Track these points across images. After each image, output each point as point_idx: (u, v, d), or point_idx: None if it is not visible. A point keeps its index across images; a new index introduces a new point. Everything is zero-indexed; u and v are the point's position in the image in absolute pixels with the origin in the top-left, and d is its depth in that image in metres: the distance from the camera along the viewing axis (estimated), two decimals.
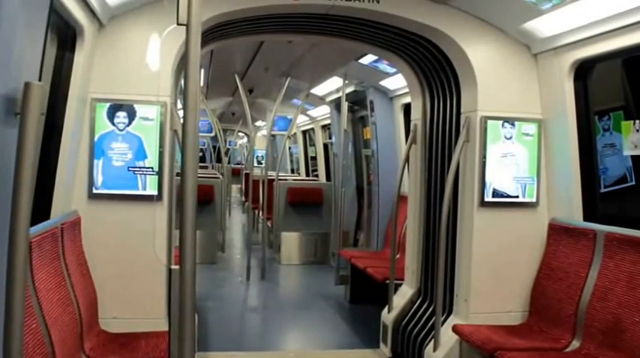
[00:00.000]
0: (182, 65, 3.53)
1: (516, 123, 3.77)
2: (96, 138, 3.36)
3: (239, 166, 20.20)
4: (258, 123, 14.38)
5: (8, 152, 1.61)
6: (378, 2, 3.67)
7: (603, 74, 3.75)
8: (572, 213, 3.65)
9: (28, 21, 1.73)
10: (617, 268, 3.21)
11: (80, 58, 3.14)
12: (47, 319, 2.47)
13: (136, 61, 3.41)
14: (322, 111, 9.53)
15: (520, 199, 3.80)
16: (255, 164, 10.78)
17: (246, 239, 9.06)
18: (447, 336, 3.75)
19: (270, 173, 8.65)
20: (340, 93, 6.73)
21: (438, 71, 4.20)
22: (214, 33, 3.90)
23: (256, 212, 10.74)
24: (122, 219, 3.40)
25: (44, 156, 3.00)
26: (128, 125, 3.39)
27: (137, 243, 3.41)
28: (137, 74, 3.40)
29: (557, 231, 3.72)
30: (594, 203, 3.69)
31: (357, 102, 7.39)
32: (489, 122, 3.74)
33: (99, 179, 3.37)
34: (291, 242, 8.49)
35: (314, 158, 11.71)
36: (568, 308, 3.42)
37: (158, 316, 3.37)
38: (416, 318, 4.33)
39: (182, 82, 3.94)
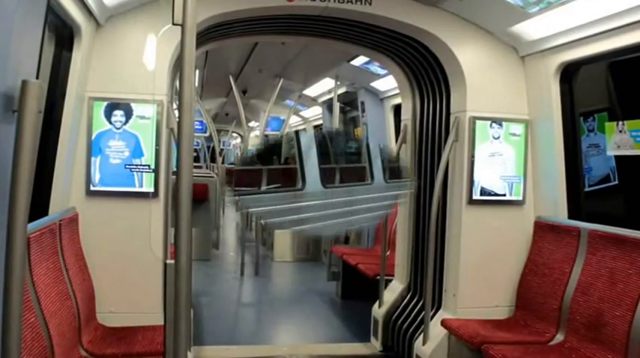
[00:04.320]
0: (178, 65, 3.59)
1: (504, 123, 3.87)
2: (93, 136, 3.41)
3: (233, 166, 20.17)
4: (252, 123, 14.42)
5: (6, 149, 1.63)
6: (369, 4, 3.75)
7: (589, 76, 3.85)
8: (558, 211, 3.76)
9: (25, 19, 1.75)
10: (599, 264, 3.31)
11: (78, 56, 3.19)
12: (45, 313, 2.52)
13: (133, 61, 3.46)
14: (314, 112, 9.60)
15: (507, 197, 3.90)
16: None
17: (239, 237, 9.11)
18: (436, 330, 3.84)
19: None
20: (332, 94, 6.82)
21: (428, 72, 4.29)
22: (209, 34, 3.96)
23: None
24: (119, 215, 3.45)
25: (42, 153, 3.04)
26: (125, 123, 3.44)
27: (134, 239, 3.46)
28: (134, 73, 3.45)
29: (543, 229, 3.82)
30: (579, 201, 3.80)
31: (349, 103, 7.48)
32: (478, 122, 3.83)
33: (96, 176, 3.42)
34: (284, 239, 8.55)
35: None
36: (552, 303, 3.53)
37: (154, 310, 3.43)
38: (406, 313, 4.42)
39: (178, 81, 4.00)
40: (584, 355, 3.15)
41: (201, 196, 7.98)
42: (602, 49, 3.27)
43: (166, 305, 1.95)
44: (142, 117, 3.45)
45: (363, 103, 6.64)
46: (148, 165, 3.46)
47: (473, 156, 3.83)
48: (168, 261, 1.92)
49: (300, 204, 3.36)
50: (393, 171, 4.15)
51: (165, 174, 3.55)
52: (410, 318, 4.34)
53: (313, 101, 8.46)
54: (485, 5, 3.64)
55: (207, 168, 18.98)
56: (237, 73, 7.47)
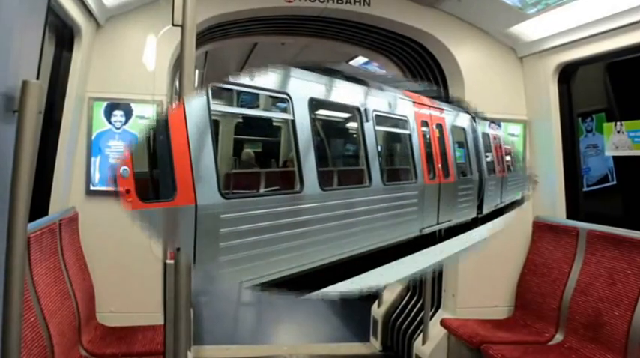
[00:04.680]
0: (177, 65, 3.60)
1: (502, 123, 3.88)
2: (93, 136, 3.42)
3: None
4: None
5: (6, 149, 1.63)
6: (369, 5, 3.76)
7: (586, 77, 3.86)
8: (556, 211, 3.77)
9: (26, 20, 1.76)
10: (598, 264, 3.32)
11: (78, 57, 3.20)
12: (46, 313, 2.53)
13: (133, 61, 3.47)
14: None
15: None
16: None
17: None
18: (435, 330, 3.85)
19: None
20: None
21: (427, 73, 4.29)
22: (209, 34, 3.97)
23: None
24: (119, 215, 3.43)
25: (42, 153, 3.05)
26: (125, 123, 3.45)
27: (134, 238, 3.45)
28: (134, 74, 3.46)
29: (542, 229, 3.83)
30: (577, 201, 3.81)
31: None
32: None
33: (96, 176, 3.43)
34: None
35: None
36: (551, 303, 3.53)
37: (155, 310, 3.43)
38: (405, 313, 4.43)
39: (177, 81, 4.00)
40: (583, 355, 3.16)
41: None
42: (600, 50, 3.30)
43: (166, 305, 1.95)
44: (142, 117, 3.46)
45: None
46: None
47: None
48: (168, 261, 1.92)
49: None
50: (391, 172, 4.14)
51: None
52: (409, 318, 4.34)
53: None
54: (483, 6, 3.65)
55: None
56: (236, 73, 7.47)
